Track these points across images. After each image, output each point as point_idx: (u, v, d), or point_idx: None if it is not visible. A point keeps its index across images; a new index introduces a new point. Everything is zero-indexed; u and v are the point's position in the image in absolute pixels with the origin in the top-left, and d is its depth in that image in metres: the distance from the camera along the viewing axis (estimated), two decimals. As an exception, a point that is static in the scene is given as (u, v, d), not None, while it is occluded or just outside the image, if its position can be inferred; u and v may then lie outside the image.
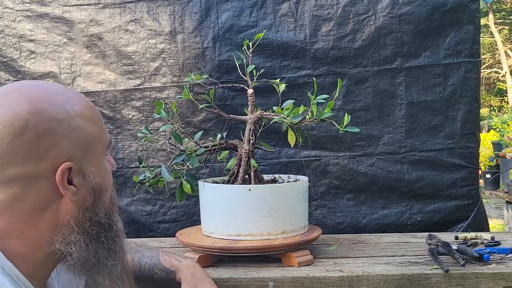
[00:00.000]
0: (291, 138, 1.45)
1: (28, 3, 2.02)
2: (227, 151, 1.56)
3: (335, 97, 1.47)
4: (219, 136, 1.57)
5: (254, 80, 1.55)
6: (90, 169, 0.83)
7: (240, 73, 1.58)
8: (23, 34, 2.03)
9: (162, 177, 1.47)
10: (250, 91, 1.52)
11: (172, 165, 1.47)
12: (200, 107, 1.64)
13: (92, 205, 0.83)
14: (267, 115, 1.49)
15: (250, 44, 1.57)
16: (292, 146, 1.50)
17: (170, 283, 1.21)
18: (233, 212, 1.38)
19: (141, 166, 1.54)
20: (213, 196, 1.41)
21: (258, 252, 1.35)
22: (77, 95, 0.87)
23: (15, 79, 2.03)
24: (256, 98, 1.89)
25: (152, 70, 2.00)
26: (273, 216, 1.37)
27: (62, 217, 0.81)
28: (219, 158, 1.57)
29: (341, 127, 1.43)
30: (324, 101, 1.44)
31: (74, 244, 0.81)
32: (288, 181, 1.56)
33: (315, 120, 1.43)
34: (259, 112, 1.51)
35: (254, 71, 1.55)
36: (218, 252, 1.36)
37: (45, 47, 2.02)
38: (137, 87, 2.01)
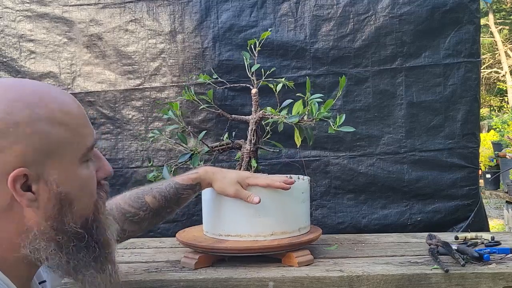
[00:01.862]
0: (298, 138, 1.45)
1: (28, 3, 2.02)
2: (222, 152, 1.57)
3: (338, 95, 1.47)
4: (226, 136, 1.58)
5: (263, 79, 1.54)
6: (52, 176, 0.77)
7: (248, 73, 1.57)
8: (23, 34, 2.03)
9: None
10: (254, 90, 1.52)
11: (175, 165, 1.47)
12: (201, 108, 1.64)
13: (57, 213, 0.78)
14: (269, 115, 1.49)
15: (257, 42, 1.57)
16: (298, 146, 1.50)
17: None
18: (224, 212, 1.38)
19: (150, 164, 1.55)
20: (211, 196, 1.41)
21: (264, 251, 1.34)
22: (53, 95, 0.80)
23: (15, 79, 2.03)
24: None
25: (152, 70, 2.00)
26: (261, 216, 1.36)
27: (27, 223, 0.77)
28: (236, 158, 1.58)
29: (335, 127, 1.41)
30: (321, 100, 1.44)
31: (43, 251, 0.77)
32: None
33: (314, 120, 1.43)
34: (261, 112, 1.51)
35: (262, 70, 1.55)
36: (225, 253, 1.36)
37: (45, 47, 2.02)
38: (137, 87, 2.01)
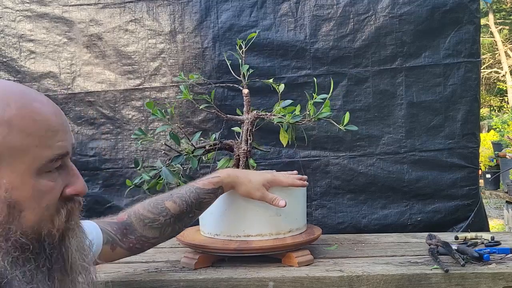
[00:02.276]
0: (284, 138, 1.46)
1: (28, 3, 2.02)
2: (213, 152, 1.55)
3: (328, 96, 1.47)
4: (213, 136, 1.57)
5: (248, 80, 1.55)
6: (1, 181, 0.74)
7: (234, 73, 1.58)
8: (23, 34, 2.03)
9: (160, 180, 1.46)
10: (245, 91, 1.52)
11: (169, 166, 1.46)
12: (200, 108, 1.64)
13: (4, 220, 0.75)
14: (264, 115, 1.49)
15: (243, 44, 1.57)
16: (284, 146, 1.51)
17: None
18: (241, 213, 1.37)
19: (137, 169, 1.52)
20: (226, 198, 1.40)
21: (270, 251, 1.35)
22: (25, 102, 0.77)
23: (15, 79, 2.03)
24: (256, 98, 1.90)
25: (152, 70, 2.00)
26: (281, 215, 1.37)
27: None
28: (205, 159, 1.56)
29: (342, 126, 1.44)
30: (322, 100, 1.45)
31: None
32: None
33: (312, 119, 1.44)
34: (255, 112, 1.50)
35: (245, 71, 1.55)
36: (232, 253, 1.36)
37: (45, 47, 2.02)
38: (137, 87, 2.01)
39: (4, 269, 0.75)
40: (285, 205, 1.32)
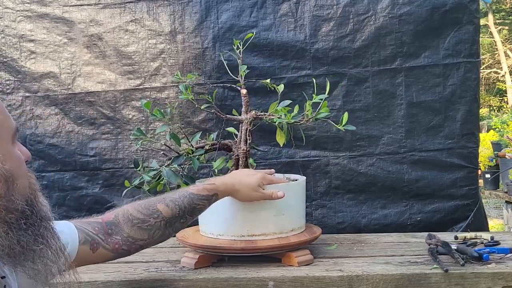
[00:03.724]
0: (280, 138, 1.46)
1: (28, 3, 2.03)
2: (212, 152, 1.55)
3: (325, 97, 1.47)
4: (211, 136, 1.57)
5: (247, 80, 1.55)
6: None
7: (231, 73, 1.58)
8: (23, 34, 2.03)
9: (161, 180, 1.46)
10: (243, 91, 1.52)
11: (170, 167, 1.46)
12: (200, 108, 1.64)
13: (5, 193, 0.79)
14: (262, 115, 1.50)
15: (240, 44, 1.57)
16: (281, 146, 1.51)
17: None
18: (245, 213, 1.38)
19: (137, 169, 1.52)
20: (226, 199, 1.40)
21: (275, 250, 1.36)
22: None
23: (16, 79, 2.03)
24: (255, 98, 1.90)
25: (152, 70, 2.00)
26: (284, 214, 1.38)
27: None
28: (201, 159, 1.55)
29: (341, 126, 1.44)
30: (320, 101, 1.45)
31: None
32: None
33: (311, 120, 1.44)
34: (254, 112, 1.51)
35: (242, 72, 1.55)
36: (239, 253, 1.36)
37: (45, 47, 2.02)
38: (137, 87, 2.02)
39: (11, 241, 0.78)
40: (284, 195, 1.34)
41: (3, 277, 0.90)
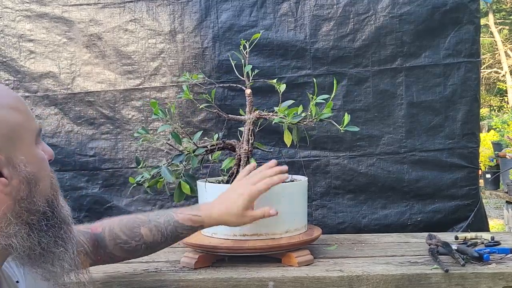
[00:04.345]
0: (287, 139, 1.45)
1: (27, 3, 2.02)
2: (219, 152, 1.55)
3: (331, 97, 1.47)
4: (216, 136, 1.57)
5: (251, 80, 1.55)
6: (19, 158, 0.80)
7: (237, 73, 1.58)
8: (22, 34, 2.03)
9: (161, 178, 1.46)
10: (248, 91, 1.52)
11: (170, 165, 1.46)
12: (200, 107, 1.64)
13: (28, 195, 0.80)
14: (265, 115, 1.49)
15: (247, 44, 1.57)
16: (288, 146, 1.50)
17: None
18: None
19: (139, 167, 1.53)
20: (216, 197, 1.40)
21: (265, 251, 1.35)
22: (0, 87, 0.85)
23: (15, 79, 2.03)
24: (256, 98, 1.90)
25: (151, 70, 2.00)
26: (280, 216, 1.37)
27: None
28: (212, 158, 1.56)
29: (342, 127, 1.44)
30: (323, 101, 1.45)
31: (14, 236, 0.78)
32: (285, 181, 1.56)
33: (314, 120, 1.44)
34: (257, 112, 1.51)
35: (249, 71, 1.54)
36: (226, 253, 1.36)
37: (44, 47, 2.02)
38: (136, 87, 2.01)
39: (32, 242, 0.80)
40: (277, 213, 1.29)
41: (17, 282, 0.92)
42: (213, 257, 1.40)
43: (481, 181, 5.59)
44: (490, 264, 1.30)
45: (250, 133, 1.49)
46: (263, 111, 1.53)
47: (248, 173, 1.35)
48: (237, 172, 1.48)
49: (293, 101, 1.51)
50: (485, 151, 5.70)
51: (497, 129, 7.29)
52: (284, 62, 1.96)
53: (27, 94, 2.02)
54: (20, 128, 0.81)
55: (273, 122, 1.48)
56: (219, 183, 1.52)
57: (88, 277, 0.97)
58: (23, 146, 0.81)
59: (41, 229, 0.81)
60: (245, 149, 1.48)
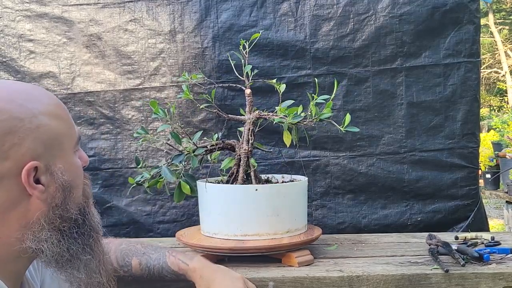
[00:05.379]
0: (287, 139, 1.45)
1: (27, 3, 2.02)
2: (219, 152, 1.55)
3: (331, 98, 1.47)
4: (215, 136, 1.57)
5: (250, 80, 1.54)
6: (57, 166, 0.82)
7: (237, 73, 1.58)
8: (22, 34, 2.02)
9: (161, 178, 1.46)
10: (247, 91, 1.52)
11: (170, 166, 1.46)
12: (200, 107, 1.64)
13: (62, 202, 0.82)
14: (265, 115, 1.49)
15: (247, 44, 1.57)
16: (288, 146, 1.50)
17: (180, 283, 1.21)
18: (239, 212, 1.37)
19: (138, 167, 1.52)
20: (217, 197, 1.40)
21: (266, 251, 1.35)
22: (40, 92, 0.86)
23: (15, 79, 2.02)
24: (255, 98, 1.90)
25: (151, 70, 2.00)
26: (279, 215, 1.37)
27: (32, 215, 0.80)
28: (211, 158, 1.56)
29: (343, 127, 1.43)
30: (323, 101, 1.45)
31: (45, 241, 0.80)
32: (283, 181, 1.56)
33: (314, 120, 1.44)
34: (257, 112, 1.50)
35: (249, 71, 1.54)
36: (227, 253, 1.36)
37: (44, 47, 2.02)
38: (136, 87, 2.01)
39: (61, 248, 0.82)
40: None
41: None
42: (213, 257, 1.40)
43: (481, 181, 5.60)
44: (490, 264, 1.30)
45: (250, 133, 1.49)
46: (263, 111, 1.53)
47: None
48: (237, 172, 1.47)
49: (293, 101, 1.51)
50: (485, 151, 5.70)
51: (497, 129, 7.29)
52: (284, 62, 1.96)
53: (27, 94, 2.02)
54: (61, 136, 0.83)
55: (274, 123, 1.48)
56: (218, 183, 1.51)
57: (112, 286, 0.97)
58: (62, 154, 0.83)
59: (72, 236, 0.83)
60: (245, 149, 1.48)
